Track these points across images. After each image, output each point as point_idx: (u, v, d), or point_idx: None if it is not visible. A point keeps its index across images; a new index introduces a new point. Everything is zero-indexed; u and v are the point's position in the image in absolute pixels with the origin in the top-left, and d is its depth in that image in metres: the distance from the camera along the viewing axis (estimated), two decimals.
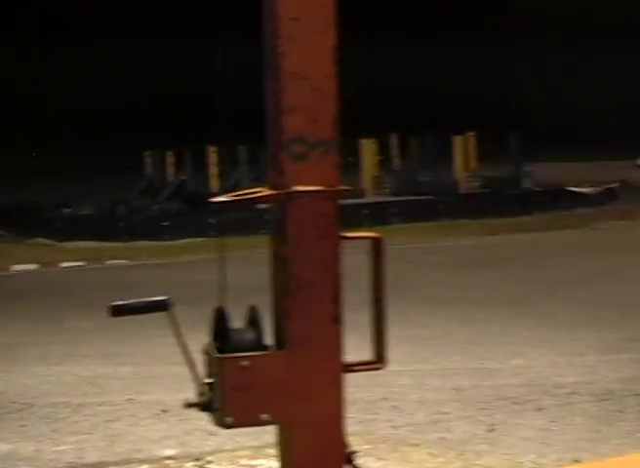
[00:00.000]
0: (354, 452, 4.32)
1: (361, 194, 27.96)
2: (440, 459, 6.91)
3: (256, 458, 6.56)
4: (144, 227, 25.49)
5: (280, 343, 4.13)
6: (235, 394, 3.94)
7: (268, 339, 4.17)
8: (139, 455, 6.97)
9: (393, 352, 10.33)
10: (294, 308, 4.03)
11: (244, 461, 6.59)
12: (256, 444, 6.67)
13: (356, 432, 6.53)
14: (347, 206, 4.68)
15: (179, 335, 4.16)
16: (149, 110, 67.43)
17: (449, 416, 8.01)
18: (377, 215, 25.50)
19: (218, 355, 4.03)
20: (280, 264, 4.12)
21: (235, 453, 6.76)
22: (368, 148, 31.48)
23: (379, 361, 4.47)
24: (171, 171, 32.97)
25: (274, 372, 4.00)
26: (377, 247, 4.28)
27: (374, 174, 31.72)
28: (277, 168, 4.07)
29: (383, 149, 32.58)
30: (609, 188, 32.13)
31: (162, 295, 4.26)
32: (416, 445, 7.24)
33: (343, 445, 4.23)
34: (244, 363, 3.96)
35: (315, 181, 4.01)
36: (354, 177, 28.26)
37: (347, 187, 4.13)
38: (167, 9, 67.91)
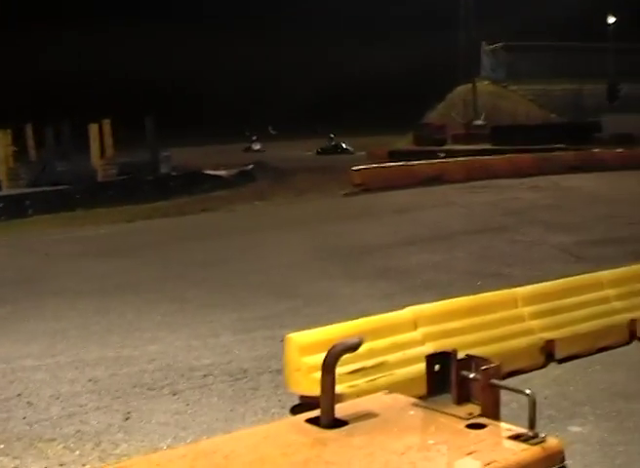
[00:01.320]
0: None
1: None
2: (77, 452, 6.77)
3: None
4: None
5: None
6: None
7: None
8: None
9: (29, 347, 9.92)
10: None
11: None
12: None
13: None
14: None
15: None
16: None
17: (85, 408, 7.81)
18: (12, 209, 24.42)
19: None
20: None
21: None
22: (1, 139, 30.09)
23: None
24: None
25: None
26: None
27: (9, 165, 30.51)
28: None
29: (18, 140, 31.36)
30: (244, 170, 33.09)
31: None
32: (52, 440, 7.06)
33: None
34: None
35: None
36: None
37: None
38: None
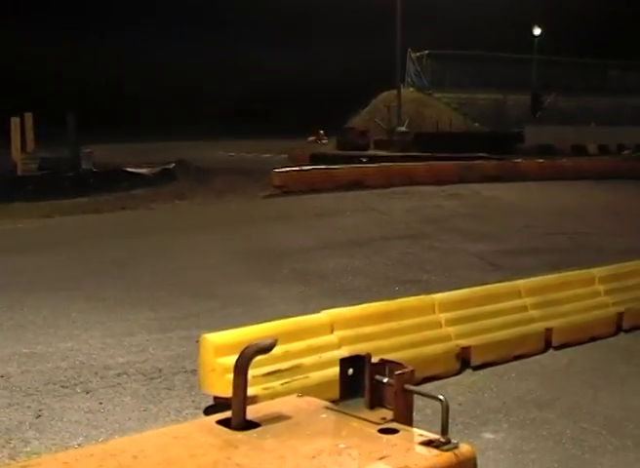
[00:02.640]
0: None
1: None
2: None
3: None
4: None
5: None
6: None
7: None
8: None
9: None
10: None
11: None
12: None
13: None
14: None
15: None
16: None
17: None
18: None
19: None
20: None
21: None
22: None
23: None
24: None
25: None
26: None
27: None
28: None
29: None
30: (166, 168, 32.78)
31: None
32: None
33: None
34: None
35: None
36: None
37: None
38: None
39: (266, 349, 3.05)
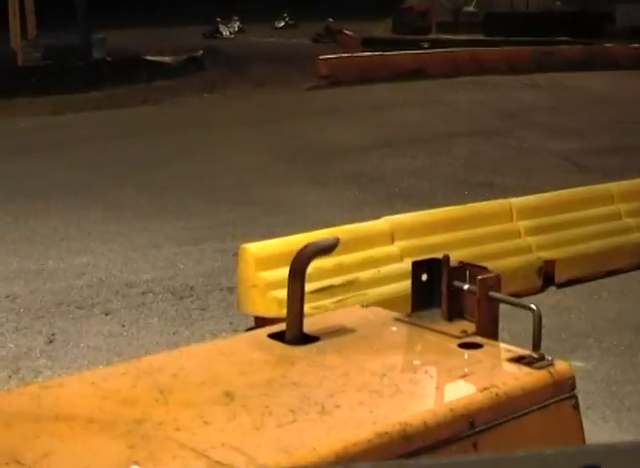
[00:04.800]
0: None
1: None
2: None
3: None
4: None
5: None
6: None
7: None
8: None
9: None
10: None
11: None
12: None
13: None
14: None
15: None
16: None
17: (1, 329, 7.75)
18: None
19: None
20: None
21: None
22: None
23: None
24: None
25: None
26: None
27: None
28: None
29: None
30: (193, 56, 32.59)
31: None
32: None
33: None
34: None
35: None
36: None
37: None
38: None
39: (328, 249, 3.02)
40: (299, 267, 2.94)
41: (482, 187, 12.73)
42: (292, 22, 57.47)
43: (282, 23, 60.16)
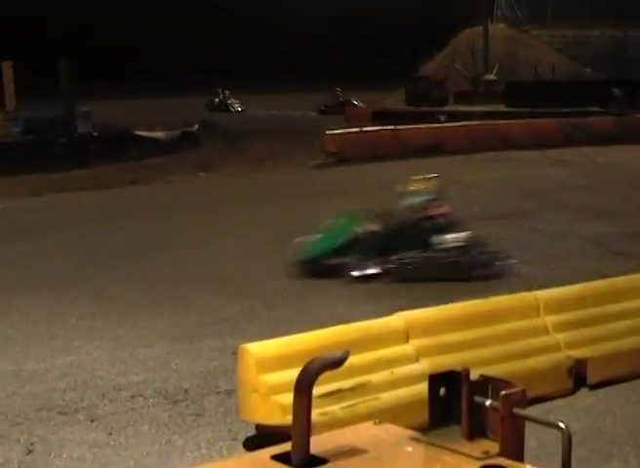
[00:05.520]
0: None
1: None
2: None
3: None
4: None
5: None
6: None
7: None
8: None
9: None
10: None
11: None
12: None
13: None
14: None
15: None
16: None
17: None
18: None
19: None
20: None
21: None
22: None
23: None
24: None
25: None
26: None
27: None
28: None
29: None
30: (187, 131, 32.95)
31: None
32: None
33: None
34: None
35: None
36: None
37: None
38: None
39: (336, 363, 3.05)
40: (305, 383, 2.98)
41: (507, 276, 12.77)
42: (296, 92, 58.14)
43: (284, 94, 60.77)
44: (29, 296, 12.33)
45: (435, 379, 3.24)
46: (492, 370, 7.05)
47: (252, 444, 7.25)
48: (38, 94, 32.33)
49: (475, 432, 3.17)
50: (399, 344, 7.97)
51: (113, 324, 10.98)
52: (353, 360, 7.39)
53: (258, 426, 7.30)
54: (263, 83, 59.08)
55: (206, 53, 75.25)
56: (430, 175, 13.97)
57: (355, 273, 12.69)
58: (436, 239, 13.04)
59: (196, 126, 34.06)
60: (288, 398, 3.12)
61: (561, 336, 8.93)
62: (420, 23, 70.41)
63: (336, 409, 7.11)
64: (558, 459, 3.10)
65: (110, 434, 7.80)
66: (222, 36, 79.73)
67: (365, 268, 12.79)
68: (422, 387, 3.44)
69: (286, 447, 3.11)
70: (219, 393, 8.65)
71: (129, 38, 73.84)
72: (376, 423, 3.37)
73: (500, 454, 3.08)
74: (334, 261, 12.94)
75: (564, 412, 8.07)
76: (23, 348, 10.14)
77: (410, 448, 3.15)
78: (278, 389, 6.81)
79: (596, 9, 61.69)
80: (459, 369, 3.22)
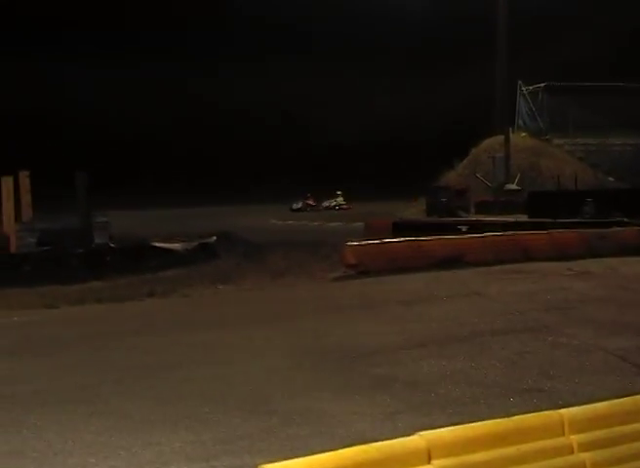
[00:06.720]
0: None
1: None
2: None
3: None
4: None
5: None
6: None
7: None
8: None
9: None
10: None
11: None
12: None
13: None
14: None
15: None
16: None
17: None
18: None
19: None
20: None
21: None
22: None
23: None
24: None
25: None
26: None
27: None
28: None
29: None
30: (205, 243, 33.19)
31: None
32: None
33: None
34: None
35: None
36: None
37: None
38: None
39: None
40: None
41: (529, 393, 12.73)
42: (314, 204, 58.63)
43: (300, 204, 61.24)
44: (43, 412, 12.32)
45: None
46: None
47: None
48: (54, 204, 32.65)
49: None
50: (421, 465, 7.92)
51: (128, 441, 10.94)
52: None
53: None
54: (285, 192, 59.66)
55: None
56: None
57: None
58: None
59: (214, 237, 34.31)
60: None
61: (586, 456, 8.85)
62: (442, 134, 71.20)
63: None
64: None
65: None
66: (245, 146, 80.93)
67: None
68: None
69: None
70: None
71: (145, 154, 74.84)
72: None
73: None
74: None
75: None
76: (37, 466, 10.11)
77: None
78: None
79: (617, 119, 62.20)
80: None
